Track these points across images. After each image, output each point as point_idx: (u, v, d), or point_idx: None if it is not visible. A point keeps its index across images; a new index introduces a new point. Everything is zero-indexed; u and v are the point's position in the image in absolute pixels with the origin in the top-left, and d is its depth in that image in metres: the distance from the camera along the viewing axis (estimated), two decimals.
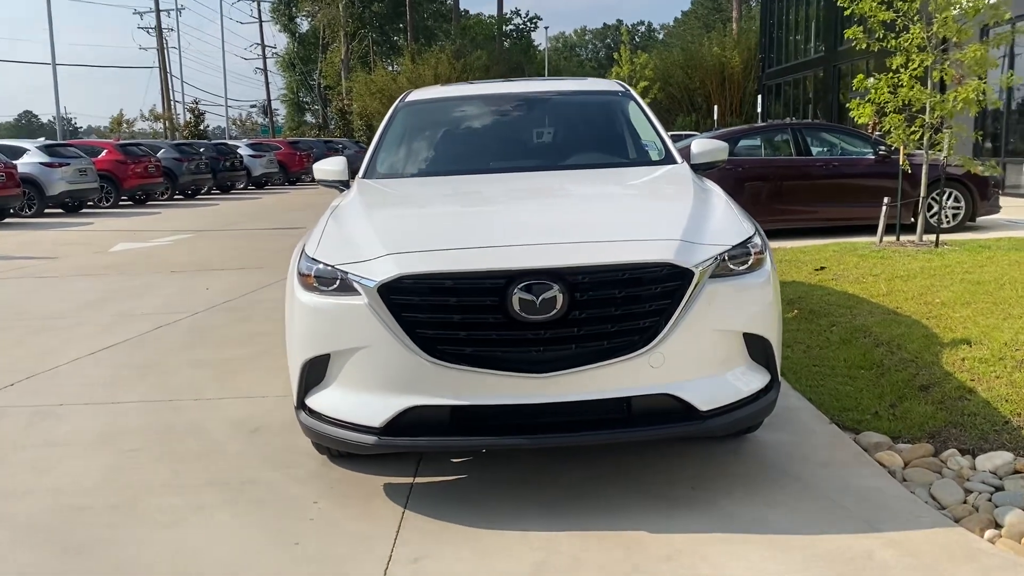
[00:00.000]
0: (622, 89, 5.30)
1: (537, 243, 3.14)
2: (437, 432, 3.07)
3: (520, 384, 2.99)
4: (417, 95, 5.39)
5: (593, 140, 4.94)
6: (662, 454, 3.68)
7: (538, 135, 5.04)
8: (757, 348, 3.23)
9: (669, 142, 4.65)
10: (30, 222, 17.98)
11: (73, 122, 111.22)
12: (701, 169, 4.48)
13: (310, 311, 3.22)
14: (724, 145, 4.56)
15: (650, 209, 3.74)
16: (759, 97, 35.11)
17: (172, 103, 49.95)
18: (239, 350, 5.90)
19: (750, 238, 3.30)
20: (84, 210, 20.50)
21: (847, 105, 10.41)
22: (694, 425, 3.10)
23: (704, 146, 4.53)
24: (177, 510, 3.37)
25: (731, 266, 3.16)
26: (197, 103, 45.53)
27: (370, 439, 3.07)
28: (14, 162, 17.90)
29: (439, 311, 3.00)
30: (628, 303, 3.00)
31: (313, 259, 3.29)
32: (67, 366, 5.67)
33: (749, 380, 3.21)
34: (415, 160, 4.87)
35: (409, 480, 3.55)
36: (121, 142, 23.71)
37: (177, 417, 4.52)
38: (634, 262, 3.00)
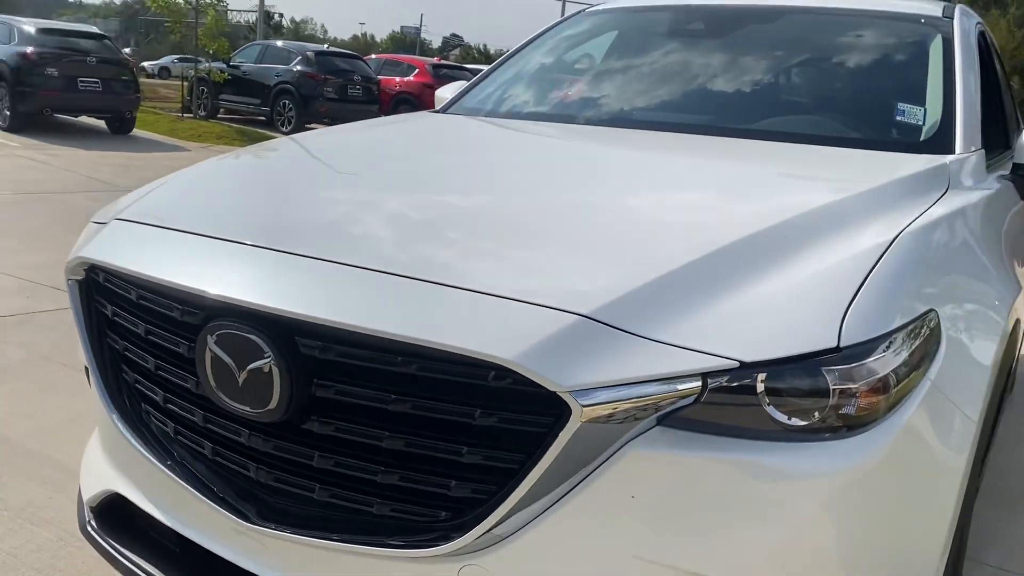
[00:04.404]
0: (935, 15, 2.77)
1: (302, 253, 1.45)
2: (159, 556, 1.65)
3: (223, 524, 1.46)
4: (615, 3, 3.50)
5: (814, 94, 2.72)
6: None
7: (740, 77, 2.80)
8: None
9: (960, 113, 2.29)
10: None
11: None
12: None
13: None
14: None
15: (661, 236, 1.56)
16: None
17: None
18: None
19: (888, 337, 1.26)
20: None
21: None
22: None
23: None
24: None
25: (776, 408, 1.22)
26: None
27: (86, 519, 1.82)
28: None
29: (135, 344, 1.62)
30: (428, 427, 1.29)
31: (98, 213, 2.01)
32: None
33: None
34: (525, 96, 3.07)
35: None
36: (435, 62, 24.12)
37: None
38: (431, 343, 1.22)
